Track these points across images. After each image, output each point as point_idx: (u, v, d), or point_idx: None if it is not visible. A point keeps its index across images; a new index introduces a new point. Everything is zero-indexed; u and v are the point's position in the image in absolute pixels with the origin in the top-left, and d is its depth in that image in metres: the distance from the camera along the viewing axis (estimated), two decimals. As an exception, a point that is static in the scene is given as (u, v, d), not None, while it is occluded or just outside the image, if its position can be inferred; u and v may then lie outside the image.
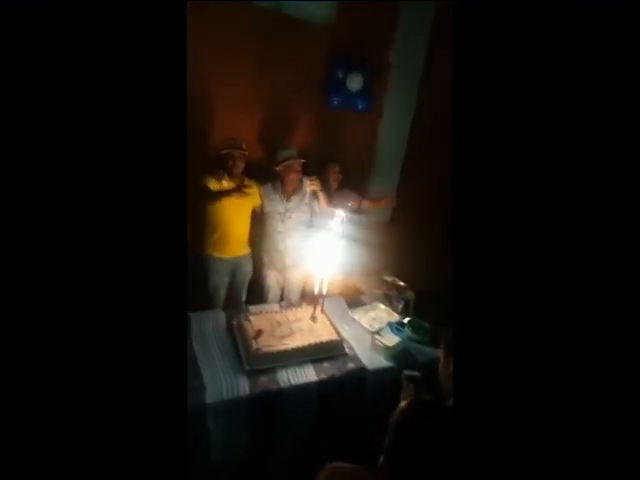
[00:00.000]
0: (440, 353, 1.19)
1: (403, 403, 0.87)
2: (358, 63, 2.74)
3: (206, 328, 1.88)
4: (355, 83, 2.75)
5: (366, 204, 2.58)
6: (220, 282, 2.35)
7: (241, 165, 2.19)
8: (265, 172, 2.36)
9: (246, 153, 2.21)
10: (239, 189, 2.16)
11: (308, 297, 2.20)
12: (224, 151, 2.17)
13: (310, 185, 2.28)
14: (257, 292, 2.51)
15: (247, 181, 2.27)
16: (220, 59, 2.40)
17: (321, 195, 2.32)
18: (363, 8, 2.63)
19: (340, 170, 2.51)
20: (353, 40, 2.71)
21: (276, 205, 2.32)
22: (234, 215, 2.24)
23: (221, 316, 1.98)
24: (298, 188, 2.35)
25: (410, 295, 2.34)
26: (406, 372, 1.29)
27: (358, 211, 2.53)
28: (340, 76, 2.74)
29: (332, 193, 2.44)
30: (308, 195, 2.35)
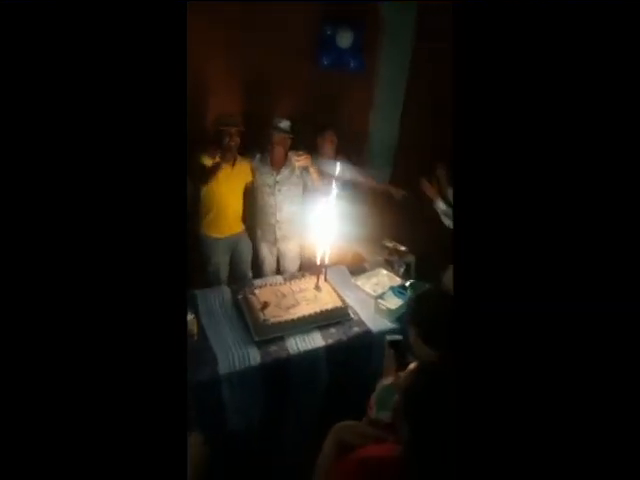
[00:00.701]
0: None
1: (412, 365, 0.91)
2: (348, 18, 2.60)
3: (213, 304, 1.92)
4: (345, 40, 2.62)
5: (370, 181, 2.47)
6: (221, 261, 2.34)
7: (237, 141, 2.14)
8: (255, 143, 2.29)
9: (242, 129, 2.15)
10: (231, 164, 2.13)
11: (310, 267, 2.21)
12: (221, 127, 2.11)
13: (297, 161, 2.17)
14: (253, 265, 2.51)
15: (240, 158, 2.22)
16: (204, 27, 2.27)
17: (313, 170, 2.22)
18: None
19: (336, 136, 2.40)
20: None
21: (265, 178, 2.27)
22: (228, 193, 2.21)
23: (226, 292, 2.01)
24: (287, 160, 2.28)
25: (411, 259, 2.37)
26: (388, 337, 1.29)
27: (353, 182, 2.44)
28: (329, 33, 2.61)
29: (328, 162, 2.36)
30: (298, 170, 2.28)
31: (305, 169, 2.26)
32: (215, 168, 2.08)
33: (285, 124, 2.21)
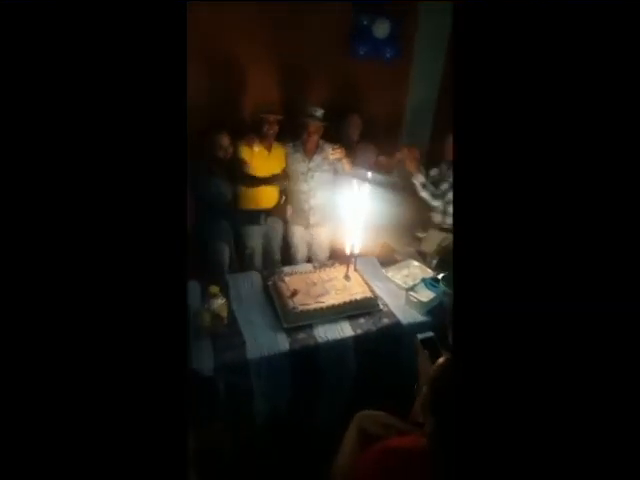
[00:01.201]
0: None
1: (442, 359, 0.88)
2: (384, 8, 2.55)
3: (243, 289, 1.94)
4: (382, 30, 2.58)
5: (382, 160, 2.42)
6: (256, 245, 2.41)
7: (275, 129, 2.20)
8: (289, 131, 2.31)
9: (280, 117, 2.21)
10: (268, 150, 2.21)
11: (340, 256, 2.20)
12: (261, 115, 2.17)
13: (333, 154, 2.23)
14: (284, 250, 2.55)
15: (275, 144, 2.27)
16: (240, 18, 2.31)
17: (345, 161, 2.26)
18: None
19: (362, 121, 2.39)
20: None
21: (298, 165, 2.31)
22: (265, 178, 2.27)
23: (256, 277, 2.03)
24: (319, 148, 2.31)
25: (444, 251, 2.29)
26: (420, 336, 1.19)
27: (384, 169, 2.41)
28: (365, 23, 2.58)
29: (353, 146, 2.34)
30: (330, 159, 2.30)
31: (339, 160, 2.27)
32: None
33: (319, 112, 2.23)
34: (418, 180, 2.22)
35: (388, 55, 2.65)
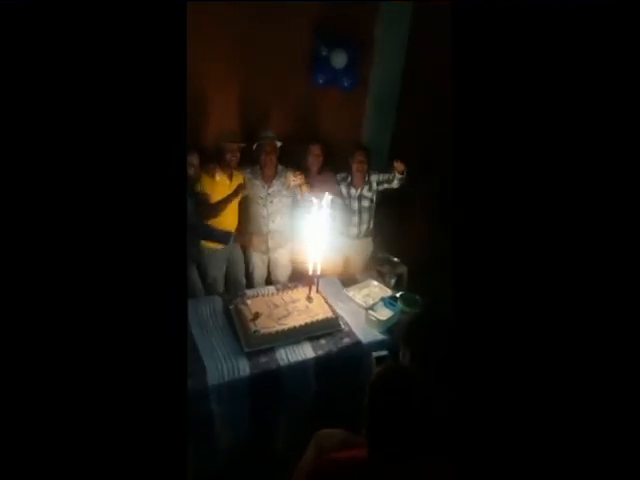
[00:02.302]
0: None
1: (379, 368, 0.94)
2: (342, 39, 2.69)
3: (204, 314, 1.93)
4: (339, 60, 2.71)
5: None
6: (218, 273, 2.42)
7: (237, 157, 2.25)
8: (247, 158, 2.37)
9: (242, 145, 2.26)
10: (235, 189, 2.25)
11: (302, 278, 2.24)
12: (223, 143, 2.22)
13: (294, 180, 2.31)
14: (245, 274, 2.56)
15: (235, 172, 2.31)
16: (200, 43, 2.36)
17: (304, 187, 2.35)
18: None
19: (322, 151, 2.47)
20: (336, 16, 2.65)
21: (257, 190, 2.36)
22: (228, 207, 2.28)
23: (218, 301, 2.03)
24: (277, 173, 2.37)
25: (403, 270, 2.39)
26: (374, 354, 1.31)
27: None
28: (324, 53, 2.70)
29: (313, 176, 2.43)
30: (289, 183, 2.36)
31: (299, 186, 2.35)
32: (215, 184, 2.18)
33: (270, 132, 2.32)
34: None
35: (346, 84, 2.78)
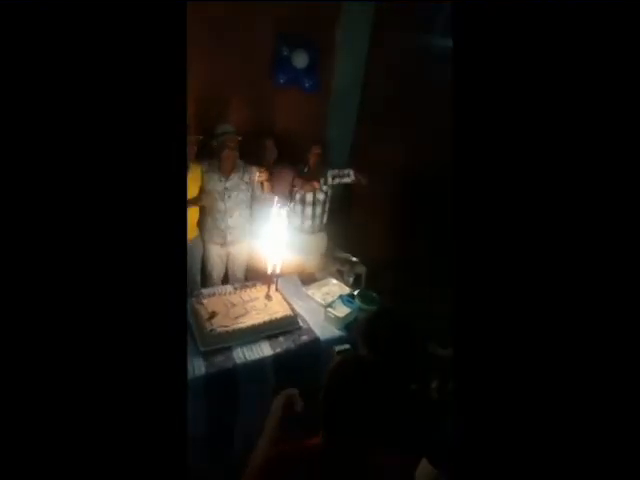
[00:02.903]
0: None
1: (339, 357, 0.95)
2: (303, 41, 2.72)
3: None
4: (301, 60, 2.74)
5: (298, 183, 2.52)
6: None
7: (194, 149, 2.20)
8: (204, 150, 2.33)
9: (200, 138, 2.21)
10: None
11: (260, 276, 2.23)
12: None
13: (259, 176, 2.31)
14: (202, 270, 2.52)
15: (192, 164, 2.26)
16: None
17: (266, 185, 2.36)
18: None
19: (275, 145, 2.50)
20: (298, 17, 2.67)
21: (215, 184, 2.32)
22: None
23: (173, 300, 1.97)
24: (236, 167, 2.35)
25: (361, 269, 2.45)
26: (337, 347, 1.31)
27: (300, 190, 2.52)
28: (285, 53, 2.72)
29: (270, 169, 2.44)
30: (246, 176, 2.36)
31: (261, 183, 2.35)
32: None
33: (227, 127, 2.30)
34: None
35: (307, 85, 2.81)
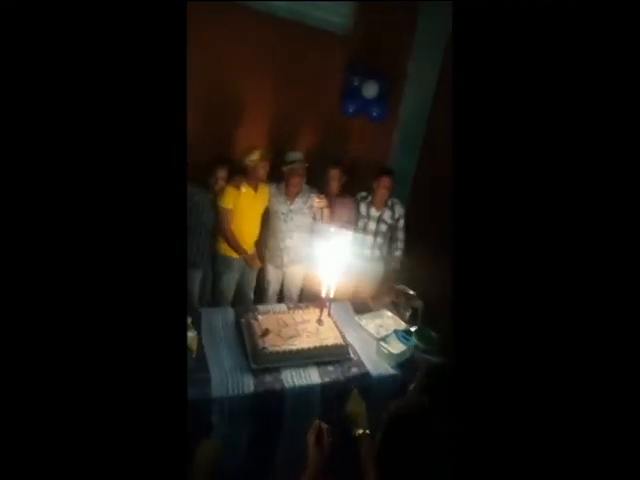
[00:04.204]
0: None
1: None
2: (374, 71, 2.77)
3: (215, 324, 1.91)
4: (371, 90, 2.78)
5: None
6: (231, 280, 2.44)
7: (264, 174, 2.30)
8: (274, 172, 2.41)
9: (269, 163, 2.30)
10: (254, 189, 2.30)
11: (313, 298, 2.21)
12: (249, 162, 2.25)
13: (318, 203, 2.36)
14: (258, 287, 2.56)
15: (261, 185, 2.36)
16: (241, 68, 2.47)
17: (325, 212, 2.39)
18: (380, 15, 2.67)
19: (341, 175, 2.49)
20: (369, 48, 2.74)
21: (280, 205, 2.41)
22: (249, 216, 2.36)
23: (230, 313, 2.01)
24: (301, 191, 2.41)
25: (419, 304, 2.33)
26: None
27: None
28: (356, 84, 2.78)
29: (332, 199, 2.45)
30: (311, 203, 2.40)
31: (321, 209, 2.38)
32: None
33: (298, 155, 2.36)
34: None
35: (375, 114, 2.84)
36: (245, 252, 2.38)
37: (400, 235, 2.58)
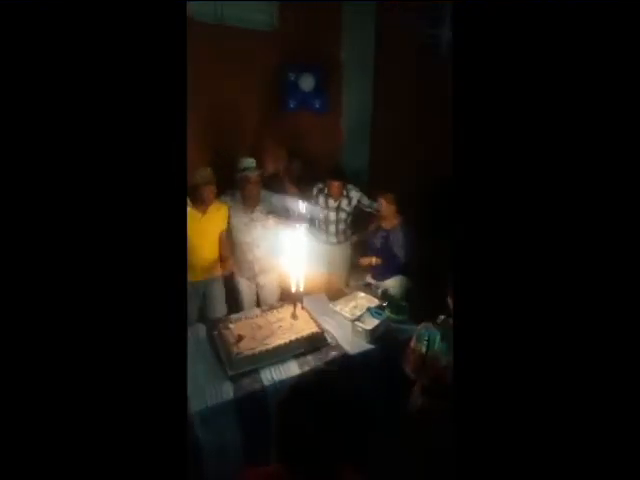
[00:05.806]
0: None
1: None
2: (308, 64, 2.81)
3: (187, 344, 1.90)
4: (308, 83, 2.82)
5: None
6: (191, 306, 2.24)
7: (212, 195, 2.14)
8: (225, 180, 2.30)
9: (214, 181, 2.13)
10: (202, 212, 2.16)
11: (288, 297, 2.21)
12: (197, 183, 2.08)
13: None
14: (232, 300, 2.48)
15: (214, 203, 2.20)
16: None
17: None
18: (304, 12, 2.70)
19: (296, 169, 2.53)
20: (299, 42, 2.77)
21: (240, 217, 2.30)
22: (200, 239, 2.15)
23: (201, 329, 2.01)
24: (260, 199, 2.31)
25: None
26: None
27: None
28: (292, 78, 2.81)
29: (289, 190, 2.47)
30: (271, 206, 2.33)
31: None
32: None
33: (250, 161, 2.25)
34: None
35: (317, 106, 2.87)
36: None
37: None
